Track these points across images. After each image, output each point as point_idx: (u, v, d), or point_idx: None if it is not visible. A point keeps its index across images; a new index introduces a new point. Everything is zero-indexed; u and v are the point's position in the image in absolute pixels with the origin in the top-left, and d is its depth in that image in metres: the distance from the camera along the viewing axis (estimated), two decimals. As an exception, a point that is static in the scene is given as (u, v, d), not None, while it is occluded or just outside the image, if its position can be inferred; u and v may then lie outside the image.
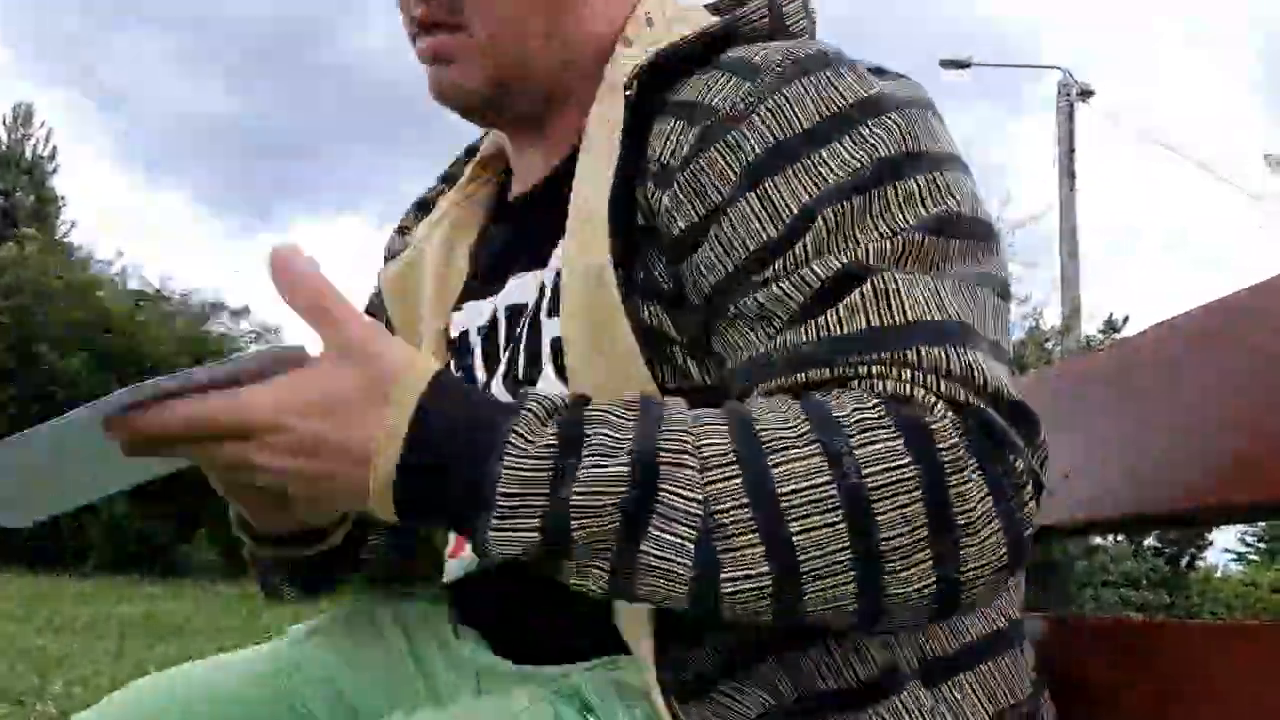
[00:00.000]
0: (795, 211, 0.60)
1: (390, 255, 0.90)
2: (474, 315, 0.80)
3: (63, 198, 19.45)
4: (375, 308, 0.90)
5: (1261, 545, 14.39)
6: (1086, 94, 12.96)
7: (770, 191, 0.60)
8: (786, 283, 0.59)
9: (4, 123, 19.18)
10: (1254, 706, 0.64)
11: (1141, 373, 0.87)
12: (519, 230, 0.80)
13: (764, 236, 0.60)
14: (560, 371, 0.68)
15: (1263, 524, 12.53)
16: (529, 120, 0.77)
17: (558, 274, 0.69)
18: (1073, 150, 12.71)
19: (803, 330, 0.58)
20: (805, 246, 0.59)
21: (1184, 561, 8.85)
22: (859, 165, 0.60)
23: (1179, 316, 0.83)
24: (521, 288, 0.76)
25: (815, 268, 0.58)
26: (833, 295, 0.58)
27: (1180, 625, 0.76)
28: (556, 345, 0.68)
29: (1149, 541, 8.15)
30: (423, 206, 0.91)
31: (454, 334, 0.82)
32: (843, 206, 0.59)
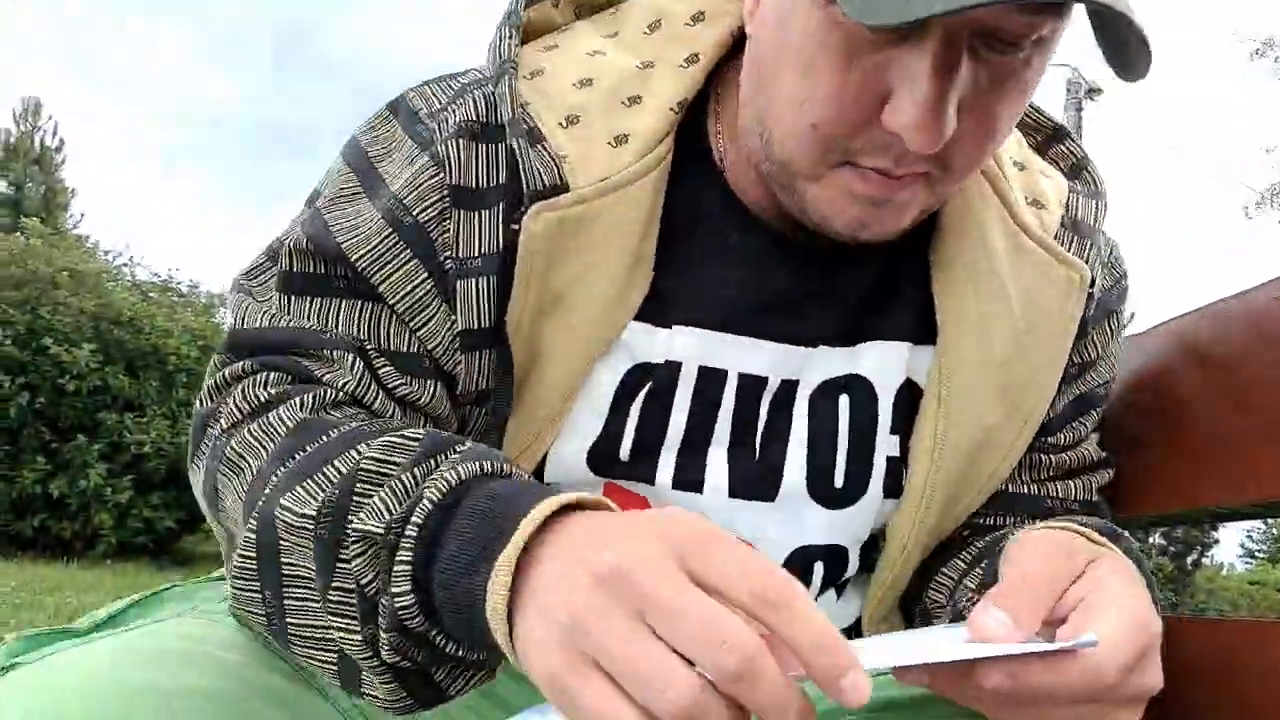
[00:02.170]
0: (1090, 403, 0.78)
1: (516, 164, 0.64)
2: (696, 351, 0.67)
3: (72, 189, 19.50)
4: (414, 235, 0.65)
5: (1267, 543, 14.32)
6: (1095, 92, 12.88)
7: (1082, 381, 0.77)
8: (1072, 454, 0.78)
9: (13, 115, 19.22)
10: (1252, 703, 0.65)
11: (1148, 371, 0.87)
12: (810, 293, 0.69)
13: (1068, 407, 0.77)
14: (888, 488, 0.71)
15: (1271, 521, 12.47)
16: None
17: (903, 389, 0.71)
18: (1082, 146, 12.61)
19: (1077, 486, 0.78)
20: (1086, 426, 0.79)
21: (1189, 560, 8.82)
22: (1113, 376, 0.80)
23: (1187, 315, 0.84)
24: (799, 359, 0.69)
25: (1093, 451, 0.79)
26: (1099, 466, 0.79)
27: (1178, 621, 0.77)
28: (893, 465, 0.71)
29: (1154, 540, 8.12)
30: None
31: (653, 355, 0.67)
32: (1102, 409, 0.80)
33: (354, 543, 0.51)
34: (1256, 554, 14.68)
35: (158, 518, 8.76)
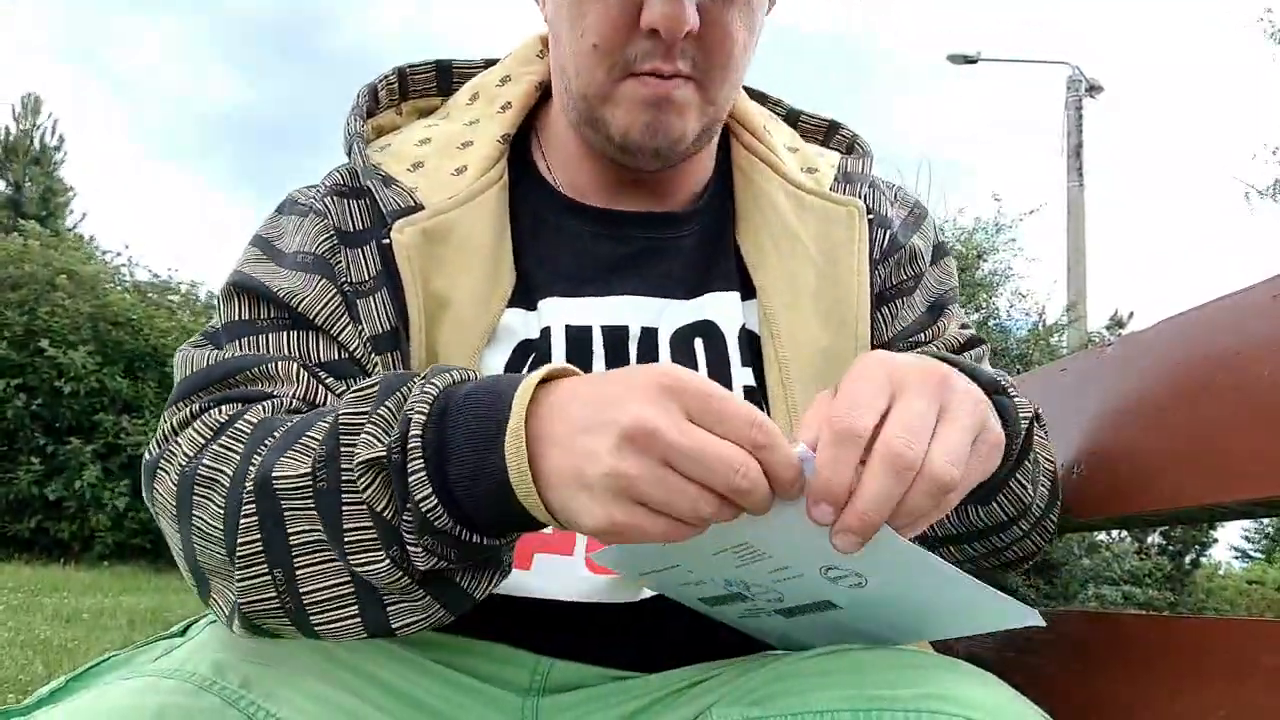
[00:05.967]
0: (941, 304, 0.92)
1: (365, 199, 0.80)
2: (560, 314, 0.79)
3: (71, 188, 19.44)
4: (318, 267, 0.79)
5: (1264, 541, 14.34)
6: (1095, 89, 12.88)
7: (925, 291, 0.91)
8: (939, 342, 0.90)
9: (12, 113, 19.16)
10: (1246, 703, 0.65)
11: (1147, 368, 0.86)
12: (643, 252, 0.85)
13: (923, 314, 0.91)
14: None
15: (1266, 521, 12.49)
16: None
17: (743, 331, 0.83)
18: (1080, 146, 12.64)
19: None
20: (945, 323, 0.92)
21: (1188, 559, 8.81)
22: (956, 282, 0.96)
23: (1184, 312, 0.83)
24: (652, 310, 0.82)
25: (956, 334, 0.92)
26: (966, 348, 0.91)
27: (1182, 620, 0.77)
28: (751, 395, 0.81)
29: (1153, 539, 8.11)
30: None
31: (530, 333, 0.79)
32: (957, 306, 0.95)
33: (361, 475, 0.59)
34: (1250, 554, 14.71)
35: (154, 519, 8.74)
